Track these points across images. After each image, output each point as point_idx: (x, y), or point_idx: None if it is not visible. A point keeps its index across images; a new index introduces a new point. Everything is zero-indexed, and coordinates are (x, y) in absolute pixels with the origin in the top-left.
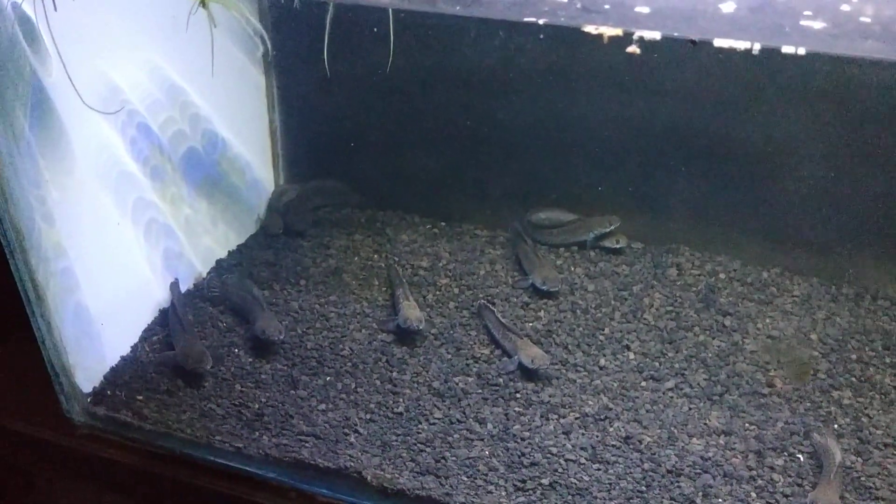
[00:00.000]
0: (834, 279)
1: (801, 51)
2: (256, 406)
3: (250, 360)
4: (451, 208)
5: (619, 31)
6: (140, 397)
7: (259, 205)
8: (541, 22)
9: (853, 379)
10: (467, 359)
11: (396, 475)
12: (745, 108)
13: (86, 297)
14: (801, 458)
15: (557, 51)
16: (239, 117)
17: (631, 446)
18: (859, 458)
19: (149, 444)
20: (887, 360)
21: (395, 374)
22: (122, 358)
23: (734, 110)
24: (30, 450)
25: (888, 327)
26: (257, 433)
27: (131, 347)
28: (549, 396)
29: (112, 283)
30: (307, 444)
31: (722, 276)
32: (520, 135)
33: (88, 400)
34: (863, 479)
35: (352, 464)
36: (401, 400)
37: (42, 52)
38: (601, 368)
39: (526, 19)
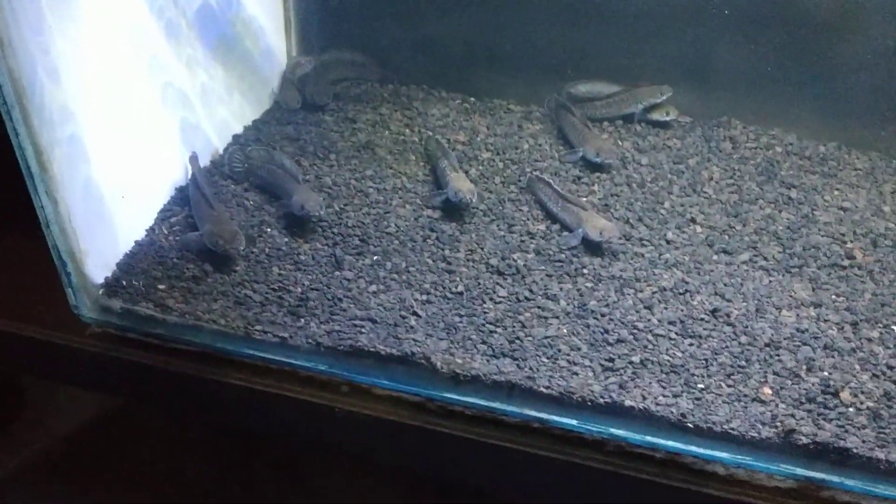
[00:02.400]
0: (893, 153)
1: None
2: (299, 290)
3: (286, 239)
4: (481, 83)
5: None
6: (162, 286)
7: (272, 77)
8: None
9: None
10: (522, 235)
11: (469, 359)
12: None
13: (96, 171)
14: None
15: None
16: None
17: (721, 320)
18: None
19: (175, 341)
20: None
21: (447, 251)
22: (137, 243)
23: None
24: (28, 354)
25: None
26: (303, 320)
27: (147, 231)
28: (620, 271)
29: (124, 156)
30: (363, 330)
31: (779, 149)
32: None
33: (101, 292)
34: None
35: (418, 349)
36: (458, 279)
37: None
38: (668, 242)
39: None
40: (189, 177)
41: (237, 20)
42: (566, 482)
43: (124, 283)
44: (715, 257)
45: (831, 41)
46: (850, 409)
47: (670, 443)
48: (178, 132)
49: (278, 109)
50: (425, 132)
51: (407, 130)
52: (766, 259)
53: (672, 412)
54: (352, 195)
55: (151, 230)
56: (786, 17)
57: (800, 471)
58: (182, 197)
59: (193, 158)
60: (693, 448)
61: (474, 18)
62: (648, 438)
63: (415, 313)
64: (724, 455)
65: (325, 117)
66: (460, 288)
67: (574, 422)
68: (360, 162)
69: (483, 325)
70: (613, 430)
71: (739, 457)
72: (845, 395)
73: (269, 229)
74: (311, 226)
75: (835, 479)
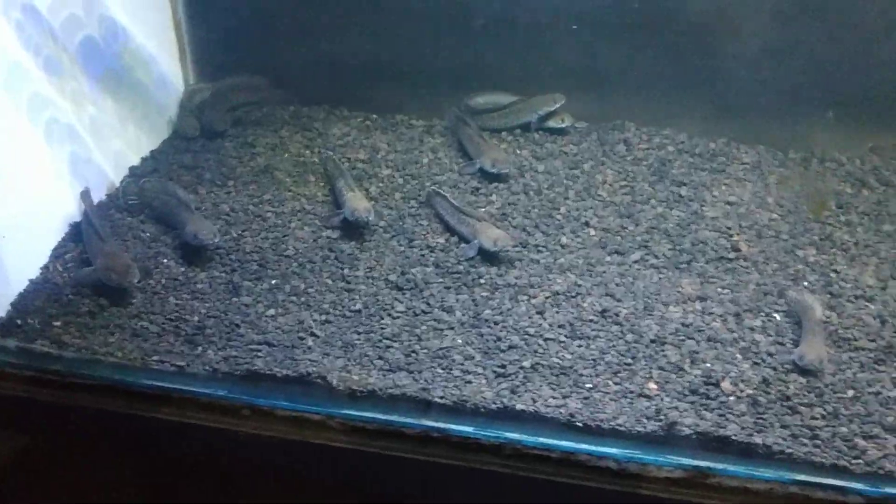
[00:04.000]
0: (779, 145)
1: None
2: (196, 319)
3: (182, 269)
4: (382, 99)
5: None
6: (57, 323)
7: (169, 105)
8: None
9: (815, 238)
10: (422, 249)
11: (365, 375)
12: None
13: None
14: (778, 318)
15: None
16: (138, 3)
17: (609, 319)
18: (833, 312)
19: (74, 375)
20: (842, 218)
21: (346, 270)
22: (31, 281)
23: None
24: None
25: (838, 188)
26: (200, 348)
27: (41, 269)
28: (516, 278)
29: (10, 195)
30: (260, 354)
31: (671, 148)
32: (447, 13)
33: None
34: (840, 331)
35: (314, 369)
36: (357, 297)
37: None
38: (563, 247)
39: None
40: (82, 212)
41: (125, 51)
42: (469, 487)
43: (19, 322)
44: (608, 258)
45: (715, 41)
46: (731, 398)
47: (563, 442)
48: (68, 167)
49: (176, 138)
50: (325, 152)
51: (307, 152)
52: (656, 257)
53: (562, 413)
54: (249, 220)
55: (46, 268)
56: (670, 20)
57: (686, 460)
58: (76, 233)
59: (85, 194)
60: (585, 446)
61: (374, 35)
62: (542, 440)
63: (313, 334)
64: (614, 451)
65: (225, 143)
66: (359, 306)
67: (470, 429)
68: (259, 186)
69: (380, 340)
70: (508, 434)
71: (629, 451)
72: (726, 384)
73: (165, 260)
74: (209, 254)
75: (719, 466)
